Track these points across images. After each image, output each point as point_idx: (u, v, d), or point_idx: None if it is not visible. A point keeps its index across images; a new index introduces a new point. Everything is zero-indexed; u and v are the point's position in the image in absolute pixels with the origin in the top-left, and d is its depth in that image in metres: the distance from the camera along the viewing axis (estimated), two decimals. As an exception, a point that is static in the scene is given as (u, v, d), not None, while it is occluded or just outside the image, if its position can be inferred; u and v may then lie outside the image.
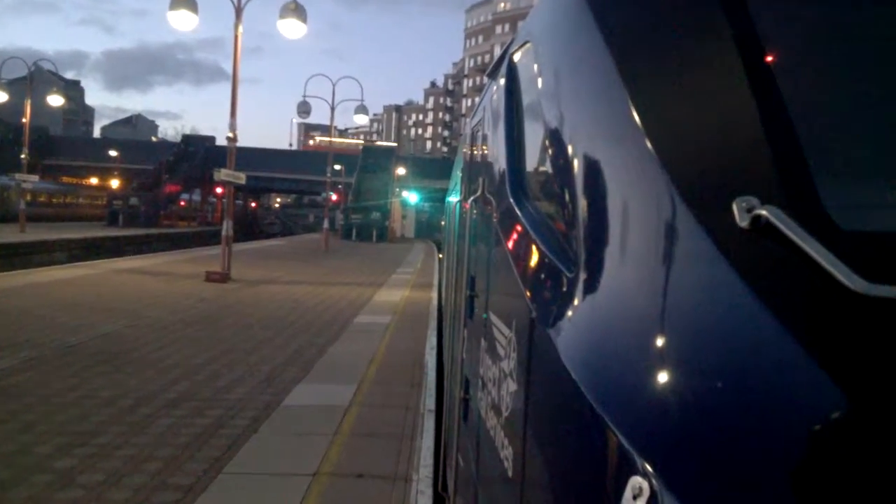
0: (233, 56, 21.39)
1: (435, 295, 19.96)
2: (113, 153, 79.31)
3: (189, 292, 18.01)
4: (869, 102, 1.67)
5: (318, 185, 65.47)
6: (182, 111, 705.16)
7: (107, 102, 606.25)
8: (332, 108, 39.42)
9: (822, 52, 1.74)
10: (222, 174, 20.63)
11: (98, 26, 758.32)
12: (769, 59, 1.62)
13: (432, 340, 12.62)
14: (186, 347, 11.14)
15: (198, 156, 68.44)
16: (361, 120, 40.20)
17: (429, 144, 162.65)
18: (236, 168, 21.52)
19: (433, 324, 14.63)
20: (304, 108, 37.35)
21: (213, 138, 74.19)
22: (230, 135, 21.08)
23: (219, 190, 63.96)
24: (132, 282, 19.82)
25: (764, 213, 1.32)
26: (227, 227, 21.31)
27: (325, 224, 42.13)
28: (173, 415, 7.62)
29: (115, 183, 73.24)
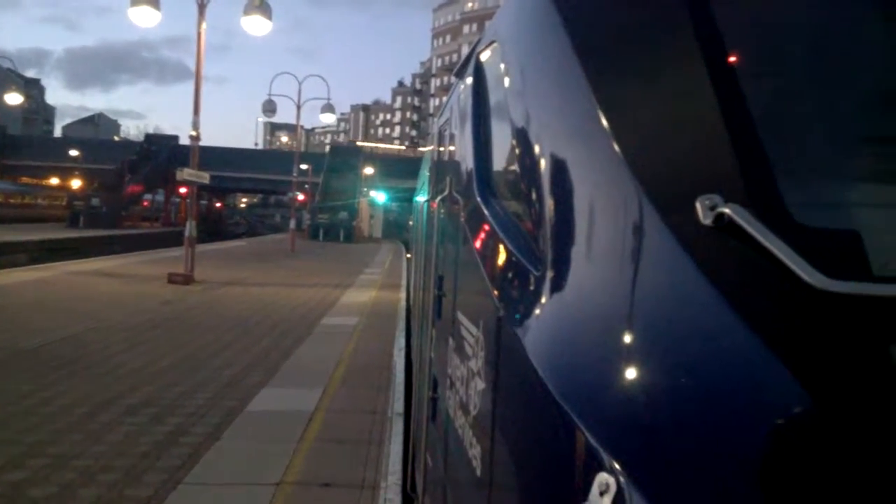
0: (196, 54, 21.02)
1: (403, 295, 19.79)
2: (74, 153, 77.58)
3: (151, 295, 17.62)
4: (830, 102, 1.68)
5: (285, 185, 64.74)
6: (146, 110, 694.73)
7: (69, 101, 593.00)
8: (299, 107, 39.07)
9: (784, 52, 1.76)
10: (185, 173, 20.24)
11: (61, 24, 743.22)
12: (733, 59, 1.65)
13: (400, 342, 12.46)
14: (148, 351, 10.84)
15: (161, 155, 67.13)
16: (328, 119, 39.89)
17: (396, 144, 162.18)
18: (201, 167, 21.15)
19: (401, 325, 14.46)
20: (269, 107, 36.89)
21: (176, 137, 72.89)
22: (193, 133, 20.70)
23: (182, 190, 63.16)
24: (93, 284, 19.33)
25: (727, 210, 1.34)
26: (189, 228, 20.90)
27: (292, 224, 41.67)
28: (132, 422, 7.37)
29: (76, 183, 71.65)
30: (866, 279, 1.27)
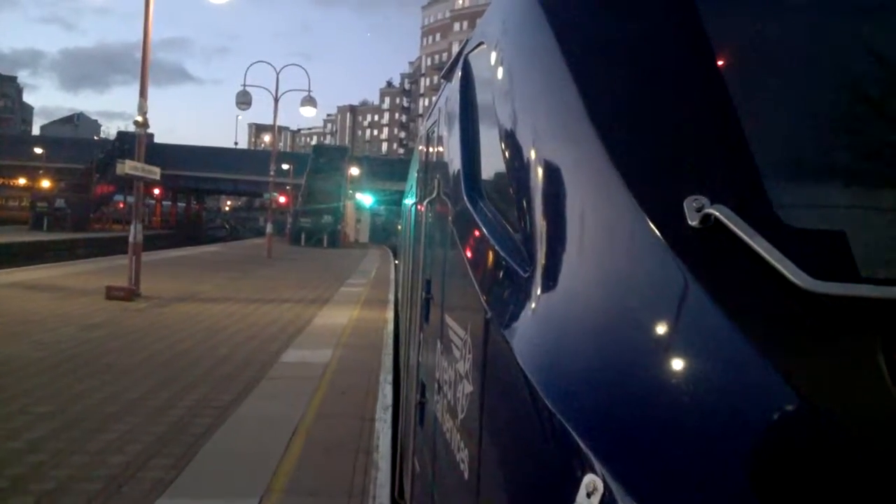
0: (143, 25, 17.58)
1: (391, 316, 16.35)
2: (39, 151, 73.46)
3: (79, 315, 14.12)
4: (817, 104, 1.65)
5: (267, 187, 61.32)
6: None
7: (62, 103, 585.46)
8: (276, 99, 35.55)
9: (771, 54, 1.70)
10: (127, 167, 16.77)
11: (58, 24, 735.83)
12: (720, 61, 1.64)
13: (386, 395, 8.96)
14: (15, 413, 7.39)
15: (133, 154, 63.51)
16: (309, 113, 36.53)
17: (385, 146, 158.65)
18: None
19: (388, 362, 11.00)
20: (243, 99, 33.19)
21: (151, 135, 69.05)
22: (139, 119, 17.32)
23: (157, 191, 59.77)
24: (13, 301, 15.77)
25: (713, 212, 1.34)
26: (134, 233, 17.45)
27: (269, 228, 38.05)
28: None
29: (45, 183, 67.73)
30: (852, 280, 1.26)
